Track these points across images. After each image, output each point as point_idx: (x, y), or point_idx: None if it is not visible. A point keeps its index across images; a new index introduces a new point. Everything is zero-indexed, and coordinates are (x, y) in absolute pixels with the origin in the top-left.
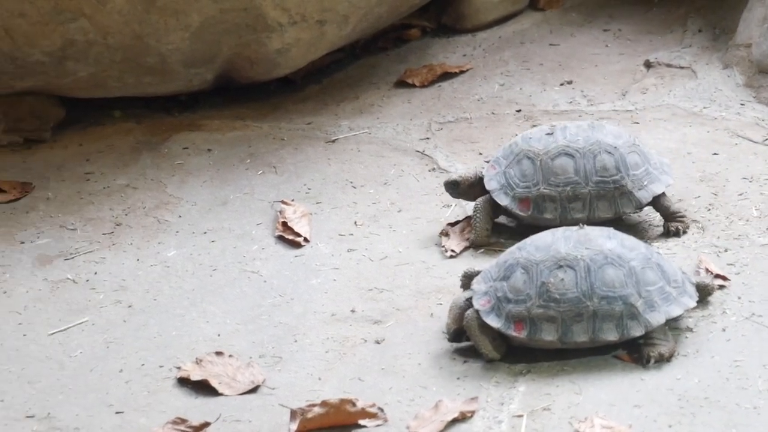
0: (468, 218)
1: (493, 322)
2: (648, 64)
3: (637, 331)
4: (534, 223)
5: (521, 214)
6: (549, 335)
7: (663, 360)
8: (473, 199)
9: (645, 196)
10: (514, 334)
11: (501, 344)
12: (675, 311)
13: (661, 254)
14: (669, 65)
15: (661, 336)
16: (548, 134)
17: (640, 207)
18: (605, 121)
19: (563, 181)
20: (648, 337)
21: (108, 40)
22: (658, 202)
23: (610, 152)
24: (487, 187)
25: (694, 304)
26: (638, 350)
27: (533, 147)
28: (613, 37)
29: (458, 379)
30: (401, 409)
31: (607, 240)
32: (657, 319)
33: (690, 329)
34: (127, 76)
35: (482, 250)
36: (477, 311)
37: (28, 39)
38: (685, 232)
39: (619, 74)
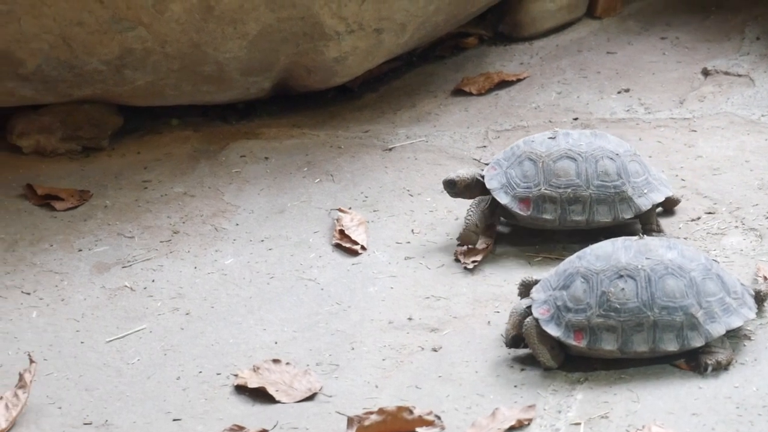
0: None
1: (553, 330)
2: (705, 72)
3: (697, 342)
4: (533, 223)
5: (521, 213)
6: (609, 345)
7: (720, 368)
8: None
9: (645, 203)
10: (574, 343)
11: (559, 353)
12: (735, 322)
13: (720, 265)
14: (727, 73)
15: (718, 344)
16: (551, 138)
17: (639, 214)
18: (663, 129)
19: (564, 183)
20: (706, 346)
21: (166, 49)
22: (647, 212)
23: (612, 158)
24: (488, 186)
25: (754, 316)
26: (696, 358)
27: (536, 149)
28: (671, 44)
29: (515, 387)
30: (458, 417)
31: (667, 250)
32: (717, 330)
33: (748, 337)
34: (184, 85)
35: (465, 247)
36: (536, 320)
37: (86, 47)
38: None
39: (677, 82)
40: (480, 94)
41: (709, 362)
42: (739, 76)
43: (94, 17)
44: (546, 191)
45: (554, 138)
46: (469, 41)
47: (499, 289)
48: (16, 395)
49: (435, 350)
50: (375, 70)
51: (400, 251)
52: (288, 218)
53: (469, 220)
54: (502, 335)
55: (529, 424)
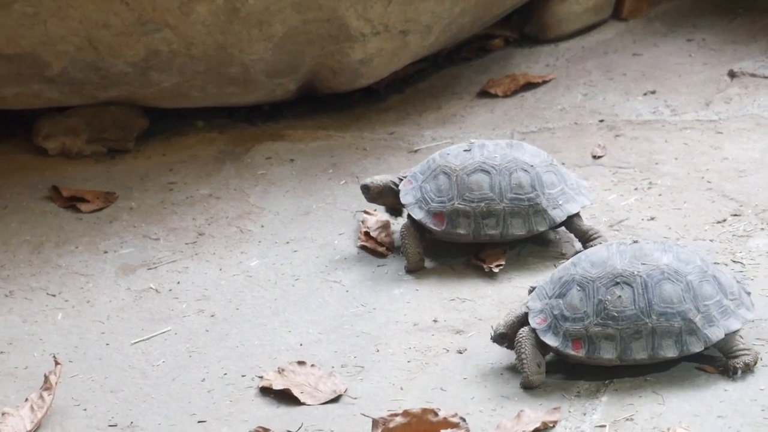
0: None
1: (551, 340)
2: (732, 74)
3: (696, 347)
4: (447, 238)
5: (435, 228)
6: (608, 353)
7: (749, 369)
8: (384, 206)
9: (559, 215)
10: (573, 352)
11: (543, 372)
12: (734, 325)
13: (716, 265)
14: (753, 75)
15: (740, 345)
16: (466, 150)
17: (554, 226)
18: (689, 131)
19: (478, 197)
20: (729, 350)
21: (191, 51)
22: (572, 223)
23: (526, 170)
24: (403, 201)
25: (752, 317)
26: (723, 363)
27: (450, 163)
28: (697, 46)
29: (540, 389)
30: (483, 419)
31: (662, 254)
32: (716, 334)
33: None
34: (210, 87)
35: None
36: (534, 330)
37: (112, 49)
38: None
39: (703, 84)
40: (505, 96)
41: (737, 366)
42: (766, 77)
43: (120, 19)
44: (459, 206)
45: (469, 150)
46: (494, 43)
47: (524, 291)
48: (41, 397)
49: (460, 352)
50: (400, 71)
51: (425, 253)
52: (313, 220)
53: (409, 251)
54: (491, 328)
55: (554, 426)
